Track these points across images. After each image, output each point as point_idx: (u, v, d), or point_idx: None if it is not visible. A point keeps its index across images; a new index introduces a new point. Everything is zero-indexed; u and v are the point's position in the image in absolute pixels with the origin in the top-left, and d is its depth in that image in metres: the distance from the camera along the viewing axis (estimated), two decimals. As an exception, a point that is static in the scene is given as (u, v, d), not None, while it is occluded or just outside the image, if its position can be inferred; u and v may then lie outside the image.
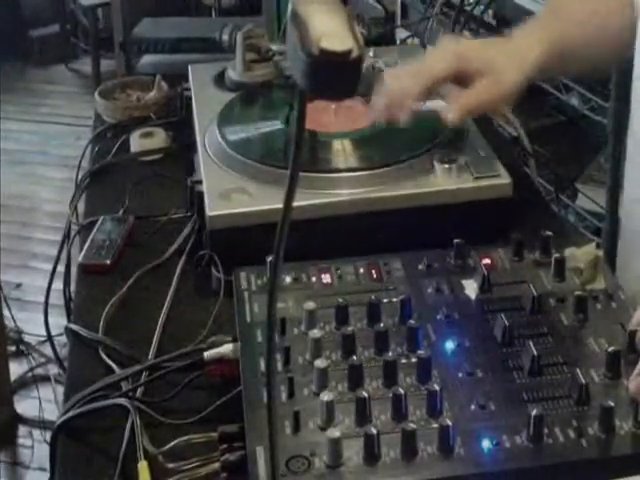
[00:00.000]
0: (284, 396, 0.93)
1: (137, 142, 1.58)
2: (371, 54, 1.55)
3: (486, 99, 1.23)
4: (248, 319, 1.04)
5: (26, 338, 3.05)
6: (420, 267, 1.11)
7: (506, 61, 1.23)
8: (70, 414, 1.04)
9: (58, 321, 1.46)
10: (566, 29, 1.29)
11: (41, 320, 1.48)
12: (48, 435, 1.18)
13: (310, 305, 1.02)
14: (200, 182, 1.29)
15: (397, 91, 1.24)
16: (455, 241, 1.12)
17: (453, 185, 1.25)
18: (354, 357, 0.96)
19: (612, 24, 1.31)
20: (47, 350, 2.96)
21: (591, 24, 1.32)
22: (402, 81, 1.25)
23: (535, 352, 0.94)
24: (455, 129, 1.34)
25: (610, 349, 0.94)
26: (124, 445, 1.00)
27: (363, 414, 0.90)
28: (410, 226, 1.22)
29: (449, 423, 0.87)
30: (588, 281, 1.07)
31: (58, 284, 1.47)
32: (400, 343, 0.99)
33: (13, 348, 3.04)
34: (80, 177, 1.56)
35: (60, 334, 1.33)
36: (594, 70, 1.45)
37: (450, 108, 1.22)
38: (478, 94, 1.22)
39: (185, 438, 0.97)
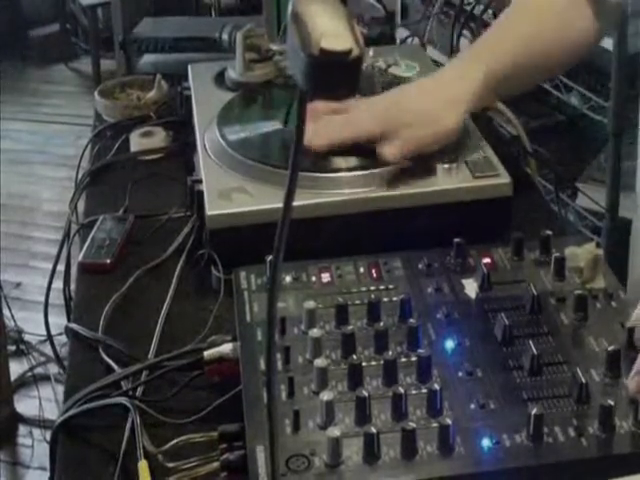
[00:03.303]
0: (284, 395, 0.93)
1: (137, 141, 1.58)
2: (371, 54, 1.55)
3: (423, 143, 1.24)
4: (248, 318, 1.04)
5: (26, 337, 3.05)
6: (420, 266, 1.11)
7: (442, 109, 1.25)
8: (70, 413, 1.04)
9: (58, 320, 1.46)
10: (503, 57, 1.30)
11: (41, 319, 1.48)
12: (48, 434, 1.18)
13: (310, 304, 1.02)
14: (200, 181, 1.29)
15: (322, 131, 1.25)
16: (455, 240, 1.12)
17: (453, 185, 1.25)
18: (354, 356, 0.96)
19: (568, 34, 1.33)
20: (47, 349, 2.97)
21: (537, 43, 1.32)
22: (329, 123, 1.26)
23: (535, 351, 0.94)
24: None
25: (610, 348, 0.94)
26: (124, 444, 1.00)
27: (363, 413, 0.90)
28: (410, 225, 1.22)
29: (449, 422, 0.87)
30: (588, 280, 1.07)
31: (58, 283, 1.47)
32: (400, 342, 0.99)
33: (13, 347, 3.04)
34: (80, 176, 1.56)
35: (60, 333, 1.33)
36: (553, 74, 1.48)
37: (388, 145, 1.23)
38: (417, 138, 1.24)
39: (185, 437, 0.97)
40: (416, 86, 1.35)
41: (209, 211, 1.22)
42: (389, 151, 1.23)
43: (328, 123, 1.25)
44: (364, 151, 1.26)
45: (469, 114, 1.30)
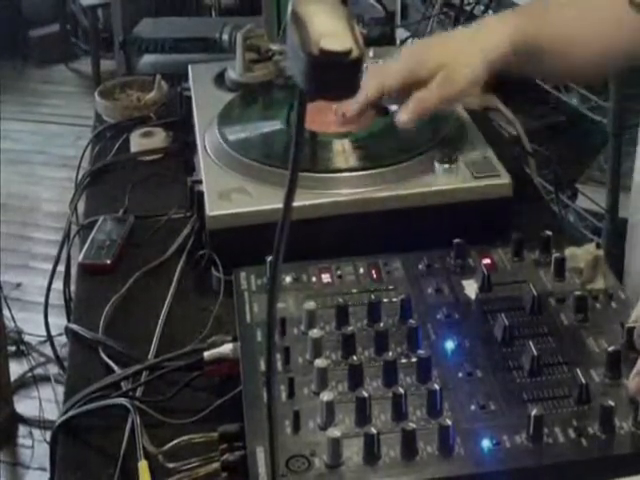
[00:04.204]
0: (284, 396, 0.93)
1: (137, 142, 1.58)
2: (371, 54, 1.55)
3: (437, 97, 1.23)
4: (248, 319, 1.04)
5: (26, 338, 3.05)
6: (420, 267, 1.11)
7: (464, 54, 1.23)
8: (70, 414, 1.04)
9: (58, 321, 1.46)
10: (542, 26, 1.26)
11: (41, 320, 1.48)
12: (48, 435, 1.18)
13: (310, 305, 1.02)
14: (200, 182, 1.29)
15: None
16: (455, 241, 1.12)
17: (453, 185, 1.25)
18: (354, 357, 0.96)
19: (615, 28, 1.27)
20: (47, 350, 2.97)
21: (578, 26, 1.28)
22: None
23: (535, 352, 0.94)
24: (455, 129, 1.34)
25: (610, 349, 0.94)
26: (124, 445, 1.00)
27: (363, 414, 0.90)
28: (410, 226, 1.22)
29: (449, 423, 0.87)
30: (588, 281, 1.07)
31: (58, 284, 1.47)
32: (400, 343, 0.99)
33: (13, 348, 3.04)
34: (80, 177, 1.56)
35: (60, 334, 1.33)
36: (584, 73, 1.42)
37: (401, 109, 1.23)
38: (429, 94, 1.22)
39: (185, 438, 0.97)
40: (453, 32, 1.35)
41: (209, 212, 1.22)
42: (403, 117, 1.22)
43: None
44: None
45: (489, 70, 1.25)
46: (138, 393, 1.07)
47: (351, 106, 1.26)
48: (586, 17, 1.29)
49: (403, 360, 0.97)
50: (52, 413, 2.72)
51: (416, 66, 1.25)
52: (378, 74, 1.26)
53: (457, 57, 1.23)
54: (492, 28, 1.26)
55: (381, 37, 2.15)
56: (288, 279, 1.10)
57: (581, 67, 1.32)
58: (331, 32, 0.60)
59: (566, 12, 1.30)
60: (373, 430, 0.86)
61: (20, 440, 2.84)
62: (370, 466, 0.86)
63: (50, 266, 1.45)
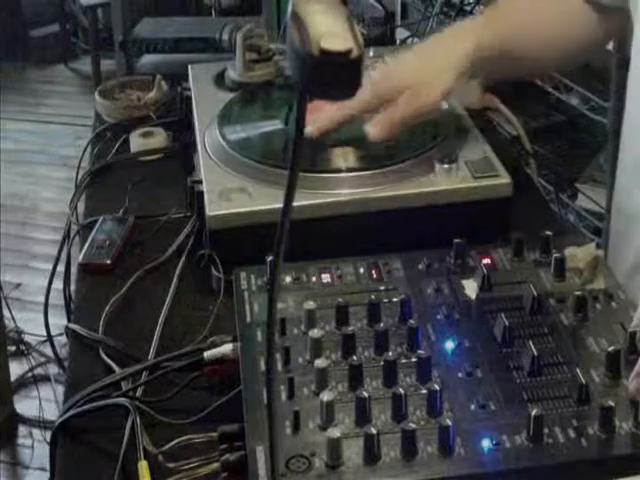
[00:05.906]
0: (284, 396, 0.93)
1: (137, 142, 1.58)
2: (371, 54, 1.55)
3: (408, 112, 1.24)
4: (248, 319, 1.04)
5: (26, 338, 3.05)
6: (420, 267, 1.11)
7: (429, 68, 1.25)
8: (70, 414, 1.04)
9: (58, 321, 1.46)
10: (508, 29, 1.30)
11: (41, 320, 1.48)
12: (48, 435, 1.18)
13: (310, 305, 1.02)
14: (200, 182, 1.29)
15: (321, 117, 1.27)
16: (455, 241, 1.12)
17: (453, 185, 1.25)
18: (354, 357, 0.96)
19: (572, 25, 1.33)
20: (47, 350, 2.97)
21: (543, 25, 1.33)
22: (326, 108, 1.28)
23: (535, 352, 0.94)
24: (455, 129, 1.34)
25: (610, 349, 0.94)
26: (124, 445, 1.00)
27: (363, 414, 0.90)
28: (410, 226, 1.22)
29: (449, 423, 0.87)
30: (588, 281, 1.07)
31: (58, 284, 1.47)
32: (400, 343, 0.99)
33: (13, 348, 3.04)
34: (80, 177, 1.56)
35: (60, 334, 1.34)
36: (557, 68, 1.46)
37: (371, 123, 1.24)
38: (400, 109, 1.23)
39: (185, 438, 0.97)
40: (416, 48, 1.37)
41: (209, 211, 1.22)
42: (373, 131, 1.23)
43: (326, 108, 1.27)
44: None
45: (460, 80, 1.27)
46: (138, 393, 1.07)
47: (318, 125, 1.26)
48: (537, 8, 1.34)
49: (403, 360, 0.97)
50: (52, 413, 2.72)
51: (384, 92, 1.25)
52: (342, 107, 1.27)
53: (423, 75, 1.25)
54: (455, 37, 1.28)
55: (381, 37, 2.16)
56: (288, 279, 1.10)
57: (539, 60, 1.37)
58: (331, 32, 0.60)
59: (520, 5, 1.34)
60: (373, 430, 0.86)
61: (20, 440, 2.84)
62: (370, 466, 0.86)
63: (50, 266, 1.45)
